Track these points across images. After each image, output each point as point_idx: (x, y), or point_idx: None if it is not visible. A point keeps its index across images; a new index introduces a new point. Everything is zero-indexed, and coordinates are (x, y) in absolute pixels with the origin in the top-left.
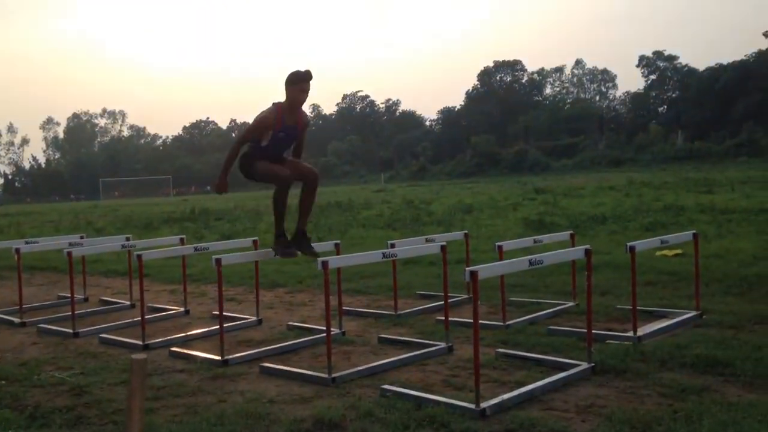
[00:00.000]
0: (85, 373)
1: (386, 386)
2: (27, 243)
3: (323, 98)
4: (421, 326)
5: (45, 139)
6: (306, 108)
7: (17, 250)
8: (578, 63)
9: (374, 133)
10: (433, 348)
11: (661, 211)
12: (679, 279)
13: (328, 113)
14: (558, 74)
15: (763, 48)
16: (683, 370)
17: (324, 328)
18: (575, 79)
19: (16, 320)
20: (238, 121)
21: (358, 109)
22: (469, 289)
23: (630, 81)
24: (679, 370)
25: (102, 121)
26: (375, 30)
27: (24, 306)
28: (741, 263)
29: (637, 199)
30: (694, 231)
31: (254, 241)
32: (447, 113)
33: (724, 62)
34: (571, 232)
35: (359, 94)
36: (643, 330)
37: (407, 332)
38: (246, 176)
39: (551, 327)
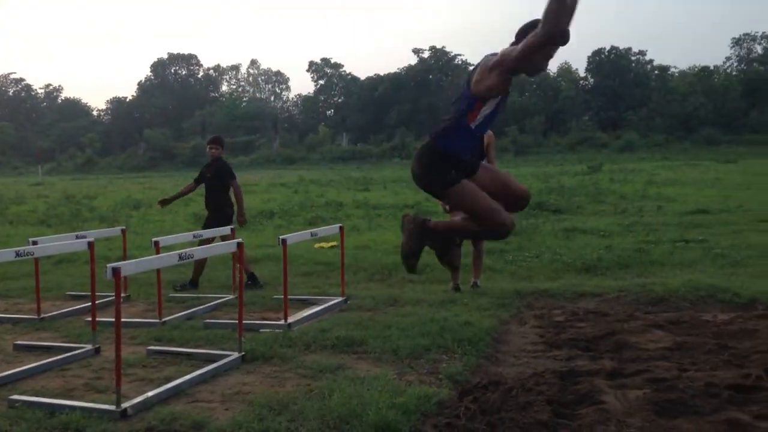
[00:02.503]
0: None
1: (15, 396)
2: None
3: None
4: (68, 329)
5: None
6: None
7: None
8: (254, 63)
9: (31, 120)
10: (78, 351)
11: (323, 207)
12: (332, 269)
13: None
14: (234, 72)
15: (413, 63)
16: (324, 352)
17: None
18: (251, 78)
19: None
20: None
21: (11, 93)
22: (126, 287)
23: (301, 84)
24: (321, 352)
25: None
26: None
27: None
28: (384, 252)
29: (304, 195)
30: (341, 225)
31: None
32: (117, 104)
33: (381, 73)
34: (232, 227)
35: (12, 76)
36: (294, 317)
37: (50, 336)
38: (429, 188)
39: (207, 321)
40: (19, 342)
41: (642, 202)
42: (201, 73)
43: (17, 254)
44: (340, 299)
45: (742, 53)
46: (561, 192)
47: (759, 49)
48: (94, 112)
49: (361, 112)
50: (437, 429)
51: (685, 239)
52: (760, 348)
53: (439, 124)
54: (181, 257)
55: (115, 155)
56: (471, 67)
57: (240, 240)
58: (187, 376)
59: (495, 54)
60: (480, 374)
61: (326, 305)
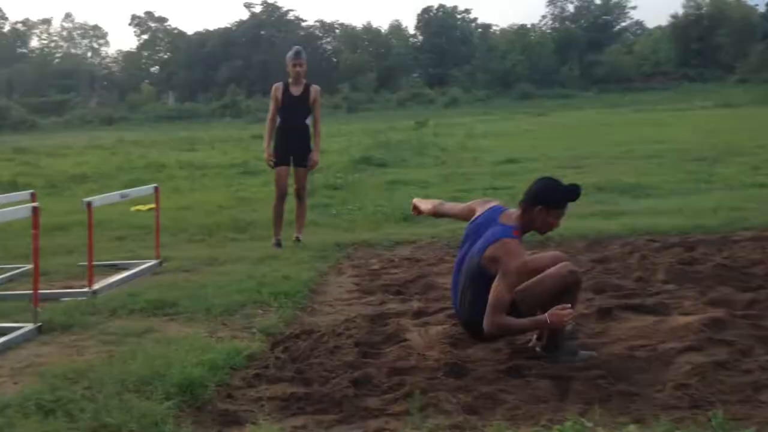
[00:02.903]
0: None
1: None
2: None
3: None
4: None
5: None
6: None
7: None
8: (68, 16)
9: None
10: None
11: (143, 169)
12: (149, 231)
13: None
14: (45, 26)
15: (244, 18)
16: (131, 317)
17: None
18: (65, 33)
19: None
20: None
21: None
22: None
23: (121, 39)
24: (128, 317)
25: None
26: None
27: None
28: (207, 213)
29: (123, 157)
30: (156, 185)
31: None
32: None
33: (211, 28)
34: (32, 191)
35: None
36: (100, 284)
37: None
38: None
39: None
40: None
41: (461, 154)
42: (7, 28)
43: None
44: (154, 262)
45: (555, 12)
46: (388, 147)
47: (571, 8)
48: None
49: (188, 69)
50: (245, 381)
51: (495, 186)
52: None
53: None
54: None
55: None
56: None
57: (36, 204)
58: None
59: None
60: (294, 325)
61: (138, 269)
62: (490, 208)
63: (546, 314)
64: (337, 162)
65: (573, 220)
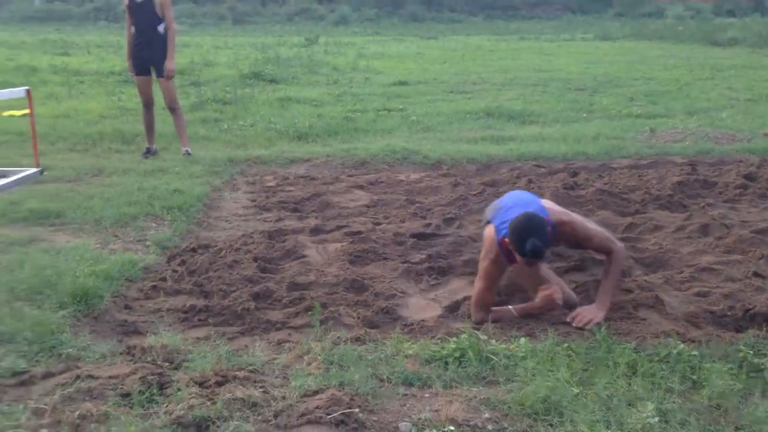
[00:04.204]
0: None
1: None
2: None
3: None
4: None
5: None
6: None
7: None
8: None
9: None
10: None
11: (12, 72)
12: (25, 139)
13: None
14: None
15: None
16: (14, 225)
17: None
18: None
19: None
20: None
21: None
22: None
23: None
24: (10, 226)
25: None
26: None
27: None
28: (88, 122)
29: None
30: (27, 88)
31: None
32: None
33: None
34: None
35: None
36: None
37: None
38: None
39: None
40: None
41: (352, 74)
42: None
43: None
44: (34, 170)
45: None
46: (277, 63)
47: None
48: None
49: None
50: (143, 292)
51: (387, 108)
52: (441, 202)
53: None
54: None
55: None
56: None
57: None
58: None
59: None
60: (190, 239)
61: (17, 177)
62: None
63: (537, 297)
64: (225, 75)
65: (463, 144)
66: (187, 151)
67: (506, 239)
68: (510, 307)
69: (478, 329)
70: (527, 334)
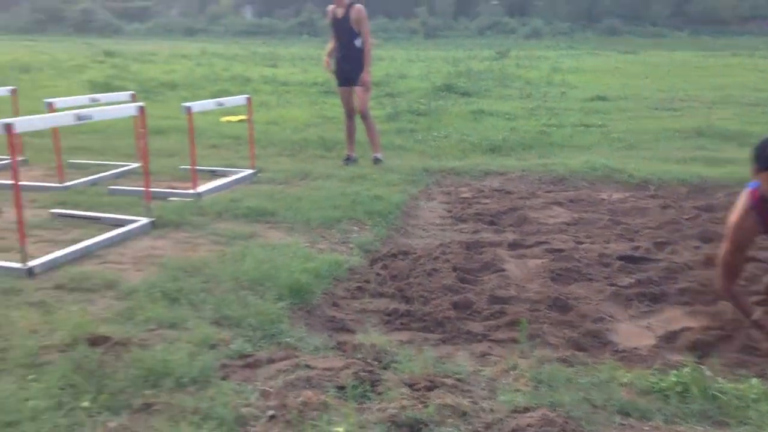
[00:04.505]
0: None
1: None
2: None
3: None
4: None
5: None
6: None
7: None
8: None
9: None
10: None
11: (228, 81)
12: (241, 142)
13: None
14: None
15: None
16: (236, 221)
17: None
18: None
19: None
20: None
21: None
22: (23, 150)
23: None
24: (233, 221)
25: None
26: None
27: None
28: (294, 129)
29: (208, 68)
30: (248, 95)
31: None
32: None
33: None
34: (132, 92)
35: None
36: (204, 187)
37: None
38: None
39: (112, 187)
40: None
41: (546, 88)
42: None
43: None
44: (250, 171)
45: None
46: (469, 76)
47: None
48: None
49: None
50: (349, 292)
51: (585, 123)
52: (650, 224)
53: None
54: (78, 117)
55: None
56: None
57: (142, 104)
58: (96, 239)
59: None
60: (390, 244)
61: (236, 177)
62: None
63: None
64: (418, 88)
65: (672, 164)
66: (376, 157)
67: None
68: (755, 310)
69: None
70: (758, 375)
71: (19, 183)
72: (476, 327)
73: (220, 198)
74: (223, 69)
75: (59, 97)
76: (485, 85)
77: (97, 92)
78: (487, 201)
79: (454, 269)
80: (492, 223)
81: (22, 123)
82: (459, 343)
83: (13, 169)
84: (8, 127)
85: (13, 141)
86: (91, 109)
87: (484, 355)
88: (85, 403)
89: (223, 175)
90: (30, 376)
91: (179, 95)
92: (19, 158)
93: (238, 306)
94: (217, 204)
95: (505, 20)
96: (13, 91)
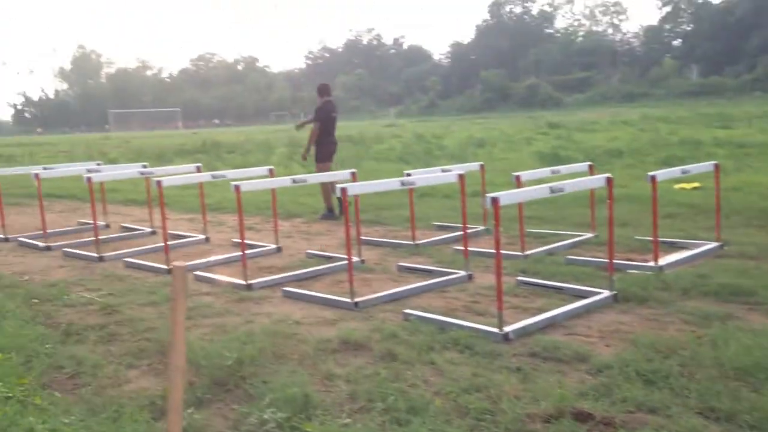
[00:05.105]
0: (114, 294)
1: (408, 310)
2: (45, 169)
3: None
4: (440, 256)
5: (51, 69)
6: (312, 42)
7: (36, 176)
8: None
9: (381, 67)
10: (453, 276)
11: (677, 145)
12: (699, 211)
13: (334, 47)
14: (569, 6)
15: None
16: (706, 299)
17: (343, 255)
18: (587, 11)
19: (41, 244)
20: (243, 54)
21: (365, 42)
22: (486, 219)
23: (642, 13)
24: (702, 299)
25: (107, 52)
26: None
27: (47, 231)
28: (760, 196)
29: (653, 133)
30: (716, 162)
31: (270, 170)
32: (456, 48)
33: None
34: (590, 163)
35: (366, 27)
36: (665, 260)
37: (426, 261)
38: None
39: (570, 257)
40: (401, 263)
41: None
42: (535, 10)
43: (402, 183)
44: (714, 244)
45: None
46: None
47: None
48: (435, 57)
49: (713, 41)
50: None
51: None
52: None
53: None
54: (552, 190)
55: (454, 97)
56: None
57: (609, 175)
58: (562, 309)
59: None
60: None
61: (699, 250)
62: None
63: None
64: None
65: None
66: None
67: None
68: None
69: None
70: None
71: (483, 250)
72: None
73: (685, 272)
74: (669, 133)
75: (512, 167)
76: None
77: (545, 163)
78: None
79: None
80: None
81: (506, 197)
82: None
83: (495, 240)
84: (495, 201)
85: (498, 211)
86: (564, 182)
87: None
88: None
89: (684, 247)
90: None
91: (624, 162)
92: (481, 227)
93: (726, 398)
94: (682, 279)
95: None
96: (481, 167)
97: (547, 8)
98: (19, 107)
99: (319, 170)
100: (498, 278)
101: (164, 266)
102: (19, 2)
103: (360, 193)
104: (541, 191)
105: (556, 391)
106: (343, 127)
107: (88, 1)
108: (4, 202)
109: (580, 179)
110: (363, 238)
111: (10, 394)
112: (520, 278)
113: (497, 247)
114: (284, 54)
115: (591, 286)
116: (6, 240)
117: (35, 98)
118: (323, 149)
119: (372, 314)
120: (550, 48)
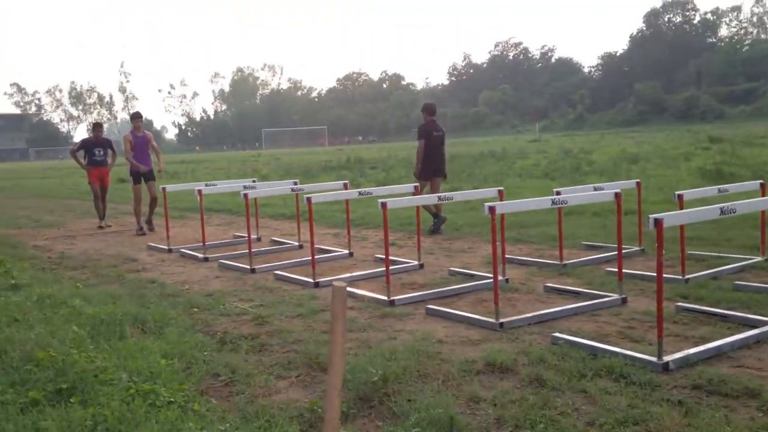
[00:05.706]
0: (265, 305)
1: (557, 334)
2: (207, 185)
3: (474, 46)
4: (590, 277)
5: (212, 92)
6: (456, 55)
7: (199, 192)
8: (758, 1)
9: (527, 81)
10: (605, 299)
11: None
12: None
13: (479, 62)
14: (735, 13)
15: None
16: None
17: (487, 274)
18: (755, 19)
19: (201, 255)
20: (388, 72)
21: (510, 57)
22: (642, 240)
23: None
24: None
25: (262, 75)
26: None
27: (206, 243)
28: None
29: None
30: None
31: (415, 187)
32: (608, 59)
33: None
34: (761, 181)
35: (512, 41)
36: None
37: (574, 282)
38: None
39: (738, 282)
40: (548, 284)
41: None
42: (697, 19)
43: (553, 202)
44: None
45: None
46: None
47: None
48: (585, 69)
49: None
50: None
51: None
52: None
53: None
54: (722, 211)
55: (604, 111)
56: None
57: None
58: (729, 338)
59: None
60: None
61: None
62: None
63: None
64: None
65: None
66: None
67: None
68: None
69: None
70: None
71: (638, 272)
72: None
73: None
74: None
75: (670, 185)
76: None
77: (706, 180)
78: None
79: None
80: None
81: (670, 218)
82: None
83: (657, 263)
84: (658, 222)
85: (661, 233)
86: (736, 202)
87: None
88: None
89: None
90: None
91: None
92: (636, 248)
93: None
94: None
95: None
96: (638, 184)
97: (710, 16)
98: (183, 127)
99: (421, 187)
100: (659, 303)
101: (311, 280)
102: (185, 31)
103: (507, 212)
104: (709, 212)
105: (723, 428)
106: (485, 143)
107: (245, 28)
108: (170, 216)
109: (754, 200)
110: (507, 256)
111: (172, 399)
112: (679, 304)
113: (659, 269)
114: (428, 70)
115: (761, 315)
116: (169, 251)
117: (197, 118)
118: (425, 167)
119: (518, 336)
120: (712, 57)
